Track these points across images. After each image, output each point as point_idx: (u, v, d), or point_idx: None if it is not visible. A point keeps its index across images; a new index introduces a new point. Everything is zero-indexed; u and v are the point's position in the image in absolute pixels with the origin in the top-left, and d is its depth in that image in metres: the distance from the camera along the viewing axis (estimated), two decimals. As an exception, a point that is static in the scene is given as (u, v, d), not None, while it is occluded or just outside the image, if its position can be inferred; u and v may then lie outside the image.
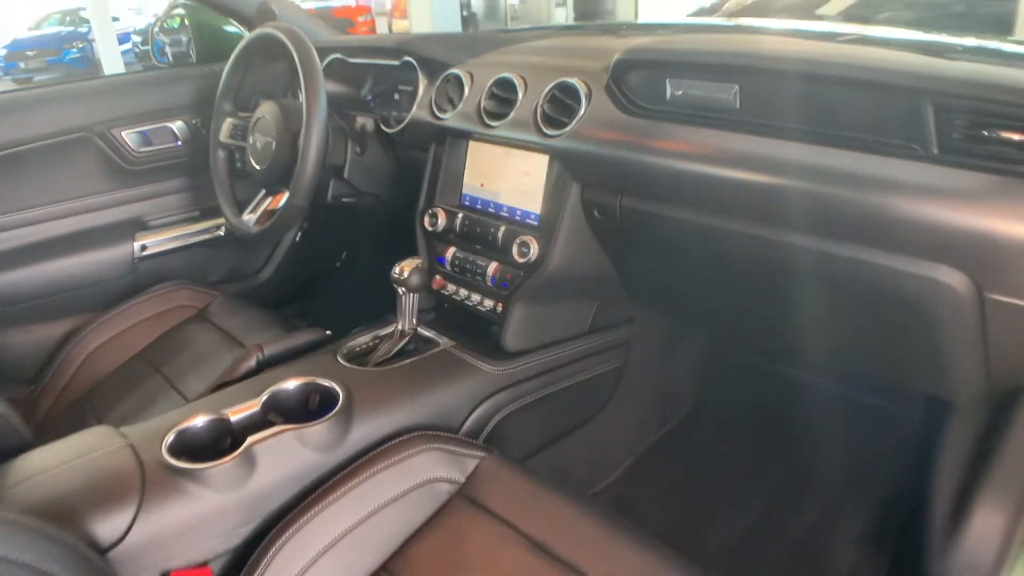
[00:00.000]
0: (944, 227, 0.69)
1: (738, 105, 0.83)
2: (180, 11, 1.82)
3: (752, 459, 1.32)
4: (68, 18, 12.45)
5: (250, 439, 0.82)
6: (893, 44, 1.08)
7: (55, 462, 0.78)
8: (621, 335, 1.24)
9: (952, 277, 0.72)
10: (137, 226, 1.54)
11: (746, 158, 0.82)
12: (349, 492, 0.82)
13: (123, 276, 1.50)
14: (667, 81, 0.89)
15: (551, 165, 1.03)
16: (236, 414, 0.87)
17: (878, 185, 0.72)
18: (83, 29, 11.59)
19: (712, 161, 0.85)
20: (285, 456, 0.83)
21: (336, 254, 1.86)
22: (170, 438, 0.81)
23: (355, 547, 0.80)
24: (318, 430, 0.85)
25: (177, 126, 1.56)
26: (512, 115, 1.06)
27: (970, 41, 1.06)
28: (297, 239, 1.80)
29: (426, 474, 0.86)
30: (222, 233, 1.61)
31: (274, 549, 0.76)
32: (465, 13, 8.56)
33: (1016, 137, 0.65)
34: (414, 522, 0.84)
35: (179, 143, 1.56)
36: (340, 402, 0.89)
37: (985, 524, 0.91)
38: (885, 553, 1.11)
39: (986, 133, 0.67)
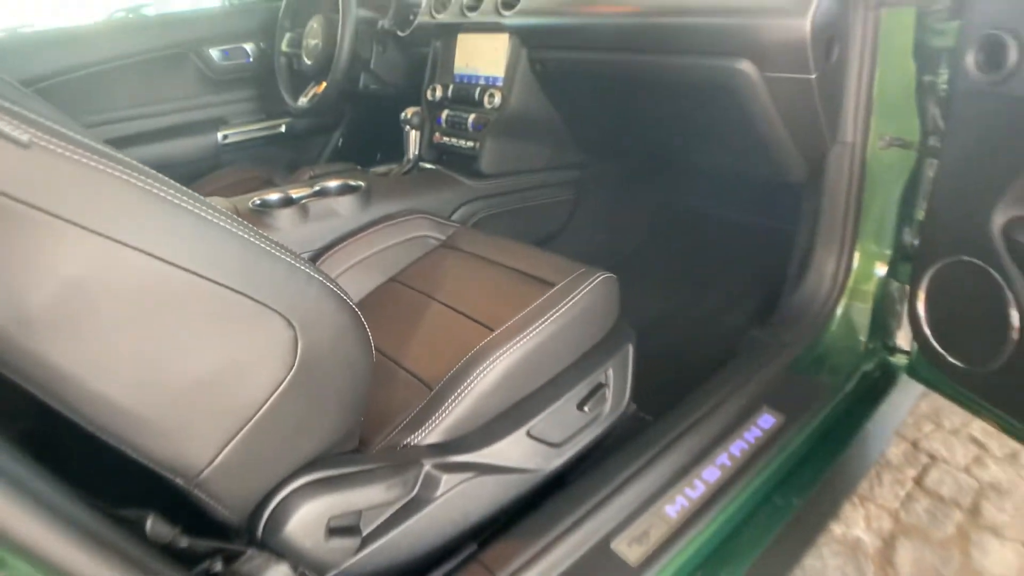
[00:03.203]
0: (743, 32, 1.10)
1: None
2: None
3: (676, 272, 1.74)
4: (131, 16, 13.31)
5: (304, 200, 1.29)
6: None
7: None
8: (573, 175, 1.68)
9: (746, 65, 1.13)
10: (220, 122, 2.04)
11: (623, 11, 1.25)
12: (365, 238, 1.27)
13: (209, 158, 2.00)
14: None
15: (510, 40, 1.47)
16: (297, 193, 1.34)
17: (714, 11, 1.14)
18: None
19: (604, 15, 1.28)
20: (326, 212, 1.29)
21: (372, 156, 2.33)
22: (255, 200, 1.29)
23: (368, 270, 1.25)
24: (347, 200, 1.31)
25: (249, 47, 2.05)
26: (482, 6, 1.50)
27: None
28: (340, 144, 2.29)
29: (418, 232, 1.31)
30: (283, 130, 2.10)
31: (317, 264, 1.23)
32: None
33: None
34: (408, 259, 1.29)
35: (250, 60, 2.05)
36: (363, 187, 1.36)
37: (820, 270, 1.31)
38: (767, 317, 1.51)
39: None
